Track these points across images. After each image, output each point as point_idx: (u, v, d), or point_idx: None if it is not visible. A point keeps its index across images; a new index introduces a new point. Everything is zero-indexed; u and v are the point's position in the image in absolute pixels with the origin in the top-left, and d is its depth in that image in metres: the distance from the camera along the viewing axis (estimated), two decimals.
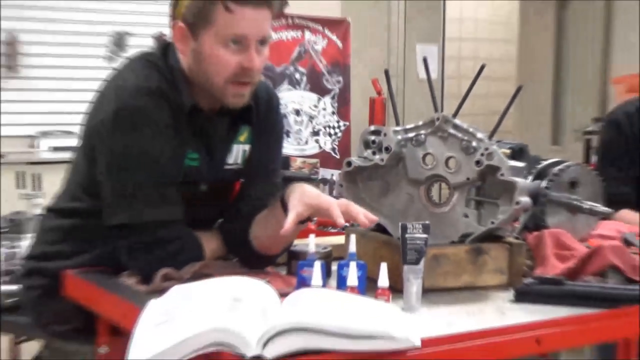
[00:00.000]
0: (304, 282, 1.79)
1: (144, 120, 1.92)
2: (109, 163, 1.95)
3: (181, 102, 1.98)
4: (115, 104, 1.93)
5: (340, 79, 6.34)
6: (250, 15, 1.91)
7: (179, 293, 1.69)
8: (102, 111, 1.96)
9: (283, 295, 1.66)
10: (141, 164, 1.91)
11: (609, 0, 7.07)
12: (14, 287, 2.57)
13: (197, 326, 1.49)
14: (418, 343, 1.51)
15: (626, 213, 2.70)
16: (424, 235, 1.81)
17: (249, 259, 2.07)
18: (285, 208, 1.91)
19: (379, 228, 2.06)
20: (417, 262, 1.78)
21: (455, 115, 2.08)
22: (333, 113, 6.32)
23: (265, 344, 1.44)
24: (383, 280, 1.72)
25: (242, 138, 2.14)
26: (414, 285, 1.78)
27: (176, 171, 1.98)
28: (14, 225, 3.37)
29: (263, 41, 1.96)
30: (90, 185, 2.01)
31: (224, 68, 1.94)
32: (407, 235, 1.80)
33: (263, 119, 2.15)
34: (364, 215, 1.84)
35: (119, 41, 5.87)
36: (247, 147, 2.15)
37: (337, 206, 1.85)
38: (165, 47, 2.06)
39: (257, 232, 2.04)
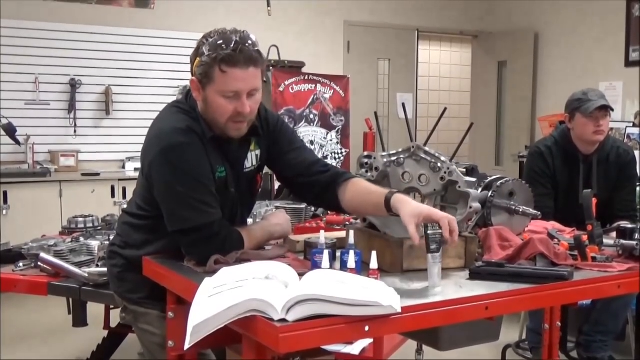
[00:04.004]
0: (316, 265, 1.78)
1: (182, 152, 1.89)
2: (164, 188, 1.93)
3: (204, 133, 1.96)
4: (159, 145, 1.91)
5: (343, 118, 6.35)
6: (239, 75, 1.86)
7: (226, 273, 1.68)
8: (151, 151, 1.94)
9: (301, 274, 1.64)
10: (186, 185, 1.89)
11: (535, 60, 7.07)
12: (105, 269, 2.57)
13: (239, 297, 1.47)
14: (399, 309, 1.49)
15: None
16: (440, 231, 1.75)
17: (334, 209, 2.18)
18: (388, 209, 1.84)
19: (370, 225, 2.05)
20: (437, 251, 1.73)
21: (425, 144, 2.07)
22: (337, 143, 6.32)
23: (288, 311, 1.42)
24: (373, 264, 1.70)
25: (252, 147, 2.10)
26: (435, 267, 1.73)
27: (212, 183, 1.95)
28: (107, 224, 3.37)
29: (254, 90, 1.92)
30: (149, 199, 2.00)
31: (224, 113, 1.91)
32: (429, 232, 1.74)
33: (271, 128, 2.12)
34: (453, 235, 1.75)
35: (183, 91, 5.88)
36: (257, 152, 2.12)
37: (446, 219, 1.75)
38: (188, 92, 2.04)
39: (351, 204, 2.02)
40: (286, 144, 2.13)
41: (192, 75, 1.93)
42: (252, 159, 2.11)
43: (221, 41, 1.85)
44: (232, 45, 1.83)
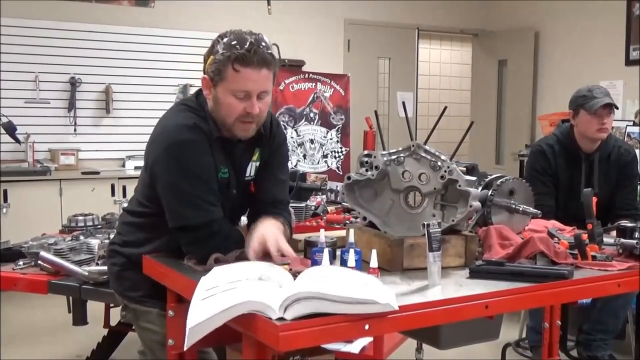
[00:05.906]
0: (316, 264, 1.78)
1: (187, 149, 1.90)
2: (166, 184, 1.93)
3: (211, 132, 1.96)
4: (165, 142, 1.92)
5: (343, 117, 6.35)
6: (251, 76, 1.88)
7: (219, 273, 1.67)
8: (156, 147, 1.95)
9: (295, 275, 1.64)
10: (188, 182, 1.90)
11: (535, 59, 7.06)
12: (105, 268, 2.57)
13: (233, 300, 1.48)
14: (397, 307, 1.50)
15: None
16: (440, 229, 1.77)
17: None
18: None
19: (370, 224, 2.05)
20: (439, 249, 1.75)
21: (425, 142, 2.07)
22: (337, 142, 6.32)
23: (285, 309, 1.42)
24: (373, 262, 1.70)
25: (254, 157, 2.11)
26: (435, 265, 1.74)
27: (214, 182, 1.96)
28: (107, 223, 3.37)
29: (264, 92, 1.93)
30: (152, 196, 2.00)
31: (233, 112, 1.92)
32: (430, 230, 1.75)
33: (272, 140, 2.13)
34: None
35: (183, 90, 5.88)
36: (257, 163, 2.12)
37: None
38: (198, 92, 2.05)
39: None
40: (275, 166, 2.14)
41: (204, 73, 1.95)
42: (251, 169, 2.11)
43: (235, 41, 1.87)
44: (246, 46, 1.86)
